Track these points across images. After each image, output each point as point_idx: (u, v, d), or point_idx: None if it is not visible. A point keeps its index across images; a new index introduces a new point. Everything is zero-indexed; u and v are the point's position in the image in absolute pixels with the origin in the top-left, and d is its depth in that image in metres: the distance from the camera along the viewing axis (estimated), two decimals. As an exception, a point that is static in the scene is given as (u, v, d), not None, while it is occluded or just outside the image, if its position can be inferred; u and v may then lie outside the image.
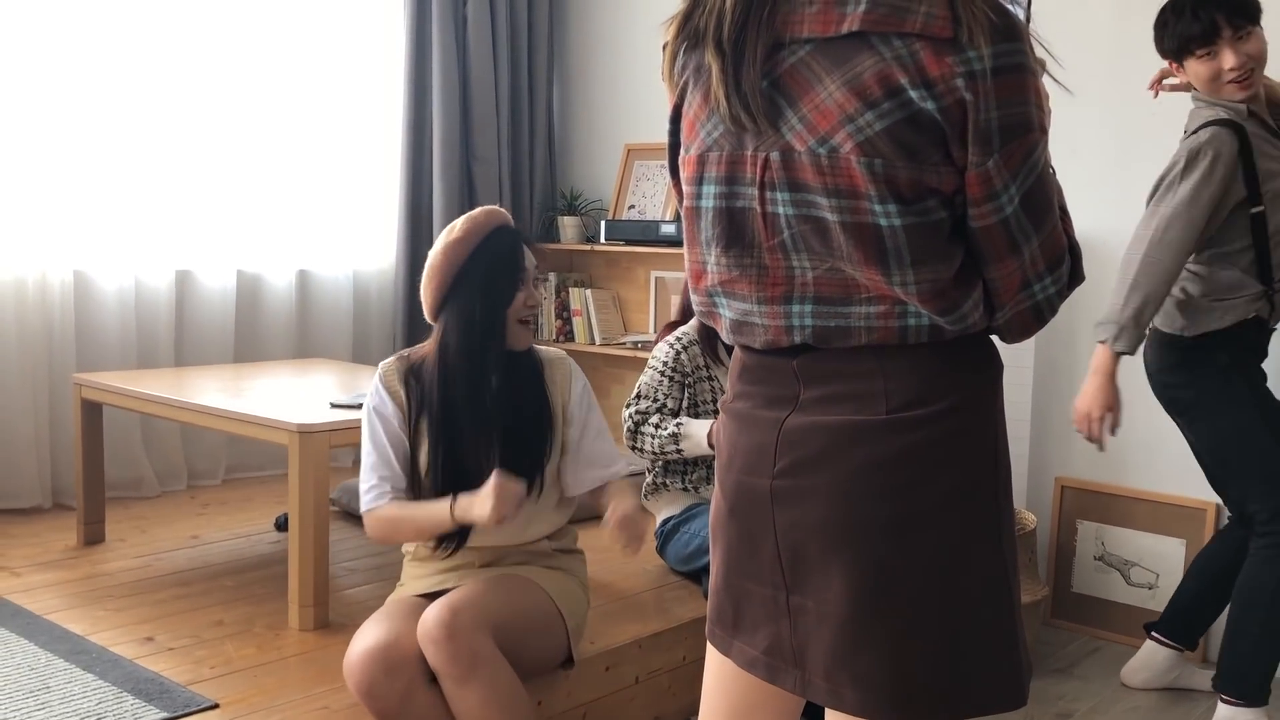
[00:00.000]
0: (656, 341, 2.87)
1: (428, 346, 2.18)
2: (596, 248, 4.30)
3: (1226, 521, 2.77)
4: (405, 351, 2.22)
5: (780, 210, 1.18)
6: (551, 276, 4.45)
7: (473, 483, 2.07)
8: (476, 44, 4.29)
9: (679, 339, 2.80)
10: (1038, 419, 3.34)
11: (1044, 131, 1.14)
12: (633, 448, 2.77)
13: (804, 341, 1.21)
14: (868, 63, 1.10)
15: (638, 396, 2.78)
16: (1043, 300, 1.19)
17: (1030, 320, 1.21)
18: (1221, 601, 2.74)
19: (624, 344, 4.26)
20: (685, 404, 2.77)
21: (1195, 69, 2.45)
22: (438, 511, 2.06)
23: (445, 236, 2.13)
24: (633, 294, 4.42)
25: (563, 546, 2.32)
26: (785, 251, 1.19)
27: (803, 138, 1.14)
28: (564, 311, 4.45)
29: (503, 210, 2.21)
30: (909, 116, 1.09)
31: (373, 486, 2.12)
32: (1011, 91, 1.09)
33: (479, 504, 1.99)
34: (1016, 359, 3.23)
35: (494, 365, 2.13)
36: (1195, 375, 2.52)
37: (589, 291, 4.37)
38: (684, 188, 1.29)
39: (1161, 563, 3.14)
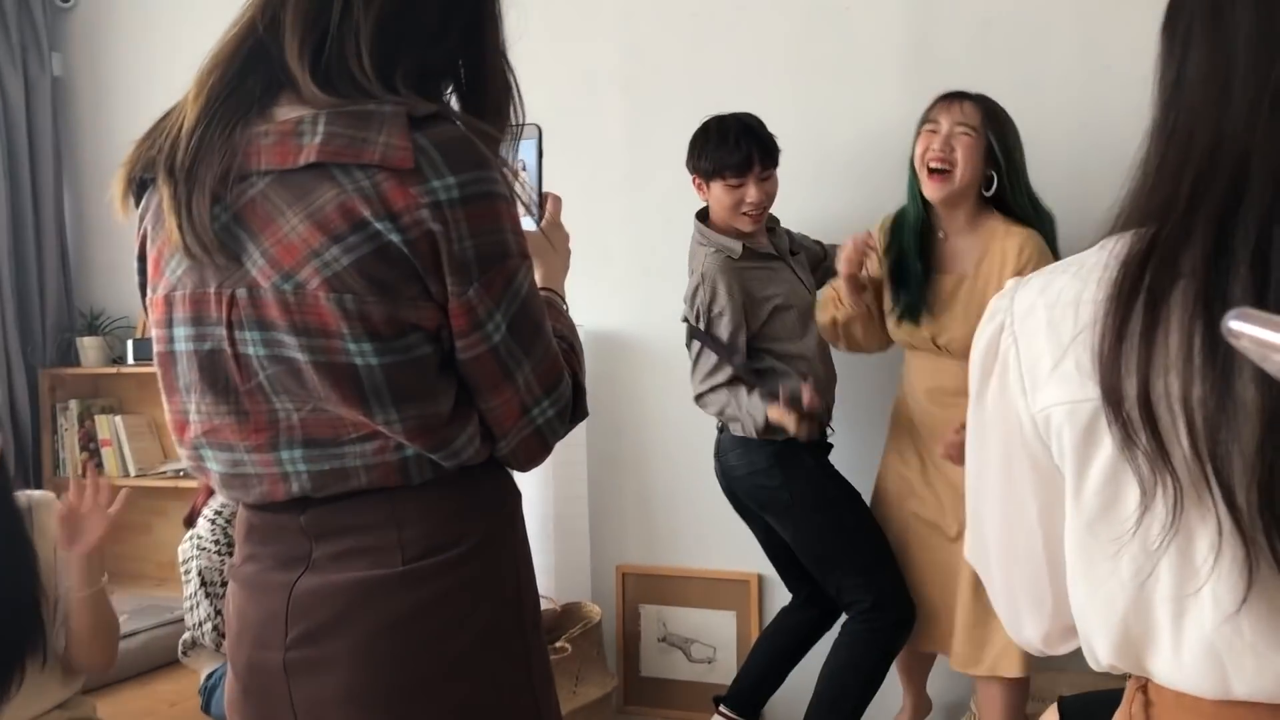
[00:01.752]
0: (193, 511, 2.66)
1: None
2: (125, 370, 3.92)
3: (790, 602, 2.92)
4: None
5: (251, 351, 1.09)
6: (73, 405, 3.99)
7: None
8: (-37, 151, 3.81)
9: (219, 513, 2.59)
10: (594, 510, 3.44)
11: (524, 256, 1.13)
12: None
13: (302, 491, 1.12)
14: (329, 195, 1.04)
15: (205, 584, 2.53)
16: (543, 425, 1.17)
17: (535, 447, 1.18)
18: (784, 675, 2.88)
19: (164, 473, 3.90)
20: None
21: (720, 194, 2.65)
22: None
23: None
24: (171, 417, 4.06)
25: (77, 717, 2.04)
26: (264, 394, 1.10)
27: (266, 273, 1.07)
28: (90, 443, 4.00)
29: None
30: (377, 250, 1.04)
31: None
32: (483, 219, 1.07)
33: None
34: (568, 454, 3.31)
35: None
36: (788, 477, 2.63)
37: (119, 418, 3.96)
38: (155, 331, 1.17)
39: (716, 635, 3.31)
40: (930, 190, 2.46)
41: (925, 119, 2.51)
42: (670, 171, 3.23)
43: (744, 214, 2.65)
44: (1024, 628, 1.01)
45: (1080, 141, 2.79)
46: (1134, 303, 0.81)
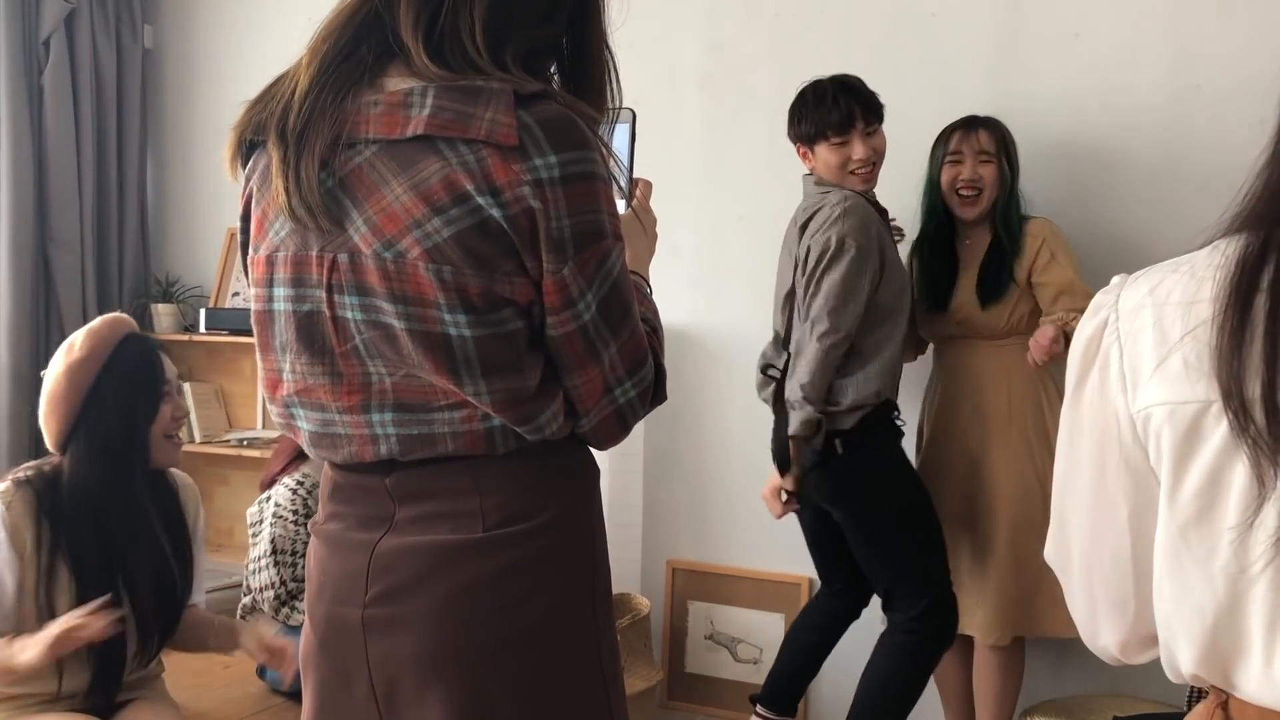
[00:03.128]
0: (271, 476, 2.70)
1: (62, 478, 1.94)
2: (196, 338, 4.00)
3: (818, 594, 2.92)
4: (21, 476, 1.94)
5: (349, 315, 1.12)
6: (144, 370, 4.08)
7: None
8: (56, 118, 3.90)
9: (300, 483, 2.63)
10: (648, 504, 3.45)
11: (618, 238, 1.14)
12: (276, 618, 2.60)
13: (390, 454, 1.14)
14: (434, 167, 1.06)
15: (275, 553, 2.58)
16: (624, 405, 1.18)
17: (615, 426, 1.20)
18: (814, 671, 2.88)
19: (228, 442, 3.97)
20: None
21: (825, 155, 2.60)
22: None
23: (65, 357, 1.92)
24: (238, 387, 4.14)
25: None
26: (360, 358, 1.13)
27: (368, 240, 1.09)
28: (159, 408, 4.09)
29: (126, 316, 2.05)
30: (477, 224, 1.06)
31: None
32: (582, 199, 1.09)
33: (29, 647, 1.78)
34: (626, 446, 3.31)
35: (144, 489, 2.00)
36: (858, 469, 2.56)
37: (187, 385, 4.04)
38: (254, 290, 1.19)
39: (764, 637, 3.31)
40: (964, 212, 2.72)
41: (947, 150, 2.70)
42: (746, 169, 3.24)
43: (852, 173, 2.59)
44: (1101, 634, 0.99)
45: (1167, 158, 2.75)
46: (1254, 300, 0.79)
